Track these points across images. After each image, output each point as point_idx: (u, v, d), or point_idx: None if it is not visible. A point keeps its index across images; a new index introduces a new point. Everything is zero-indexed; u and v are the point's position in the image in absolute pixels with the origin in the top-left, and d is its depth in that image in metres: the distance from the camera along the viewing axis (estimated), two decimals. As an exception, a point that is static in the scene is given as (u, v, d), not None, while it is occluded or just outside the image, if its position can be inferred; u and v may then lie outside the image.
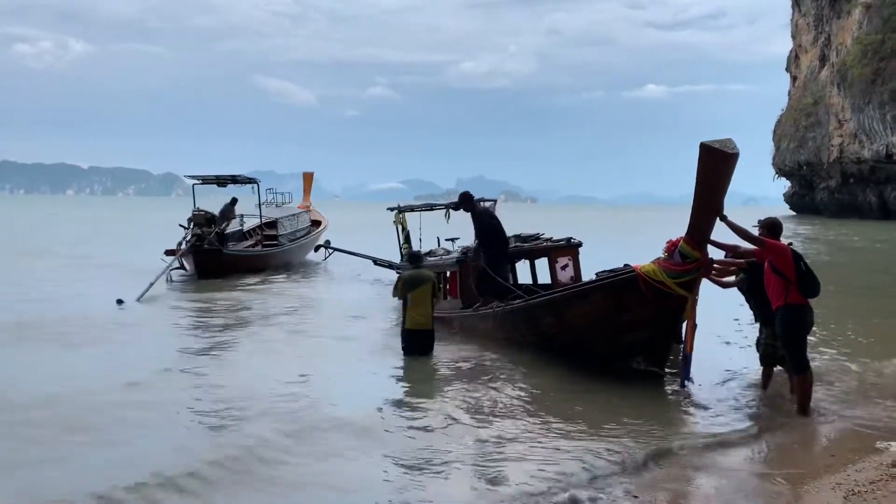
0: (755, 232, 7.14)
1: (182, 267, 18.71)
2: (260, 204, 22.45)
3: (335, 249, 21.59)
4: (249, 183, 22.55)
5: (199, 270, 18.11)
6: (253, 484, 5.36)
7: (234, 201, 21.62)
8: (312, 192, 29.95)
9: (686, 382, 7.78)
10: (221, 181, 21.68)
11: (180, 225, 20.03)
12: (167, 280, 17.48)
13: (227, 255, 18.89)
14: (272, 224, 22.45)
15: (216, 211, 20.43)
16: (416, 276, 9.43)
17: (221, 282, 17.34)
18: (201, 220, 19.55)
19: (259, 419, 6.81)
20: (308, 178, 30.12)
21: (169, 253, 18.59)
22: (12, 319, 11.67)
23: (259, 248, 21.19)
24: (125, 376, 8.34)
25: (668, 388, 8.08)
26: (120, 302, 13.78)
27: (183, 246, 18.91)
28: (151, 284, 15.02)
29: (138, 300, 14.10)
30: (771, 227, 7.17)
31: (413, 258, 10.08)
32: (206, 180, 21.38)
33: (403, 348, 9.47)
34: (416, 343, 9.38)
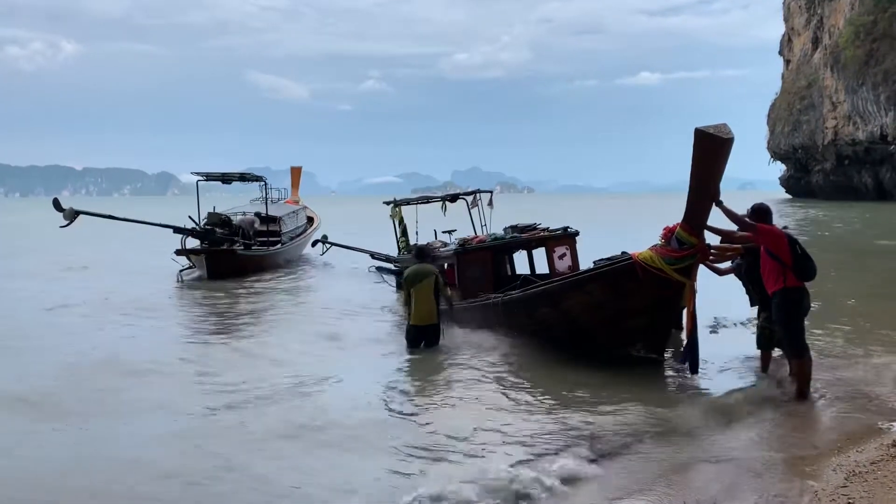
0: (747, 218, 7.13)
1: (192, 267, 18.53)
2: (267, 202, 22.35)
3: (333, 244, 21.58)
4: (256, 181, 22.47)
5: (211, 271, 17.85)
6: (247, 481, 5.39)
7: (258, 214, 21.72)
8: (309, 187, 30.13)
9: (693, 367, 7.74)
10: (227, 178, 21.56)
11: (190, 217, 19.95)
12: (178, 281, 17.37)
13: (239, 255, 18.76)
14: (275, 221, 22.41)
15: (222, 210, 20.41)
16: (417, 272, 9.44)
17: (233, 282, 17.06)
18: (216, 219, 19.44)
19: (263, 411, 6.87)
20: (296, 172, 30.24)
21: (179, 253, 18.44)
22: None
23: (255, 245, 21.13)
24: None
25: (668, 374, 8.12)
26: (56, 204, 14.10)
27: (190, 239, 18.81)
28: (105, 216, 15.49)
29: (76, 210, 14.57)
30: (759, 212, 7.14)
31: (420, 253, 10.02)
32: (210, 177, 21.23)
33: (408, 342, 9.53)
34: (421, 337, 9.43)
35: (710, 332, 10.00)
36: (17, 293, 15.23)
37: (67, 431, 6.49)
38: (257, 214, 21.76)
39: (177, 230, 18.55)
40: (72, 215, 14.04)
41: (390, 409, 7.06)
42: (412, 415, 6.92)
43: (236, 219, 20.68)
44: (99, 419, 6.80)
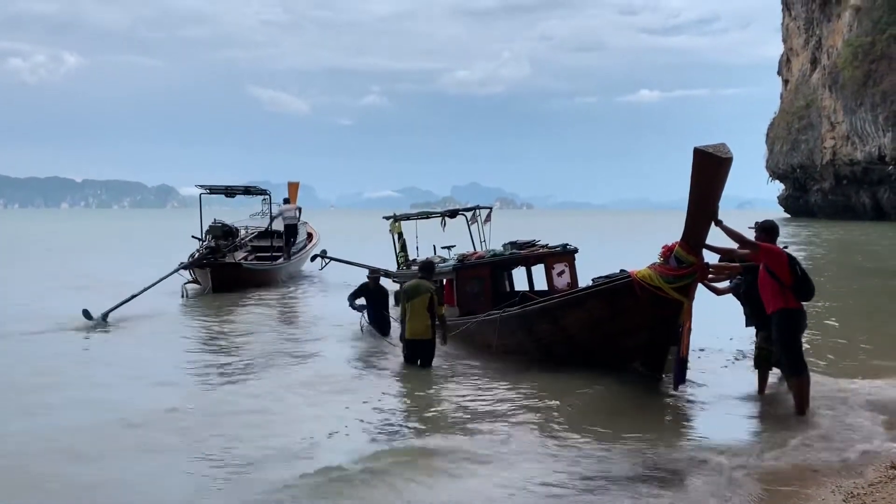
0: (751, 235, 7.16)
1: (195, 281, 18.25)
2: (271, 216, 22.32)
3: (331, 259, 21.57)
4: (261, 195, 22.44)
5: (215, 285, 17.43)
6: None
7: (299, 210, 22.04)
8: (308, 201, 30.09)
9: (680, 385, 7.75)
10: (231, 192, 21.46)
11: (193, 237, 19.73)
12: (182, 296, 17.06)
13: (244, 269, 18.45)
14: (278, 236, 22.43)
15: (226, 221, 20.35)
16: (414, 287, 9.46)
17: (236, 296, 16.84)
18: (218, 231, 19.11)
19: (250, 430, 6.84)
20: (293, 188, 30.18)
21: (185, 267, 18.06)
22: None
23: (254, 258, 21.06)
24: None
25: (666, 393, 8.10)
26: (86, 314, 12.64)
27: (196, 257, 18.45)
28: (125, 301, 13.76)
29: (104, 317, 12.92)
30: (768, 230, 7.18)
31: (424, 268, 10.04)
32: (214, 190, 21.09)
33: (404, 357, 9.57)
34: (416, 352, 9.44)
35: (707, 349, 9.97)
36: (17, 307, 15.11)
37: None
38: (299, 210, 22.23)
39: (186, 267, 17.97)
40: (102, 321, 12.94)
41: (385, 429, 7.02)
42: (404, 436, 6.87)
43: (275, 210, 21.46)
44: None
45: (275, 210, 22.62)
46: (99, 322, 12.77)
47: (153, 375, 9.29)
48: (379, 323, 11.77)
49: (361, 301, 11.93)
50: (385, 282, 16.15)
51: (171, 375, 9.37)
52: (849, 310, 14.23)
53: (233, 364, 10.03)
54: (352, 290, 12.15)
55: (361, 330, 11.73)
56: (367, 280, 12.33)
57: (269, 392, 8.30)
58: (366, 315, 11.86)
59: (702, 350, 9.68)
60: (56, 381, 9.00)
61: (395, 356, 10.10)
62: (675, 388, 7.77)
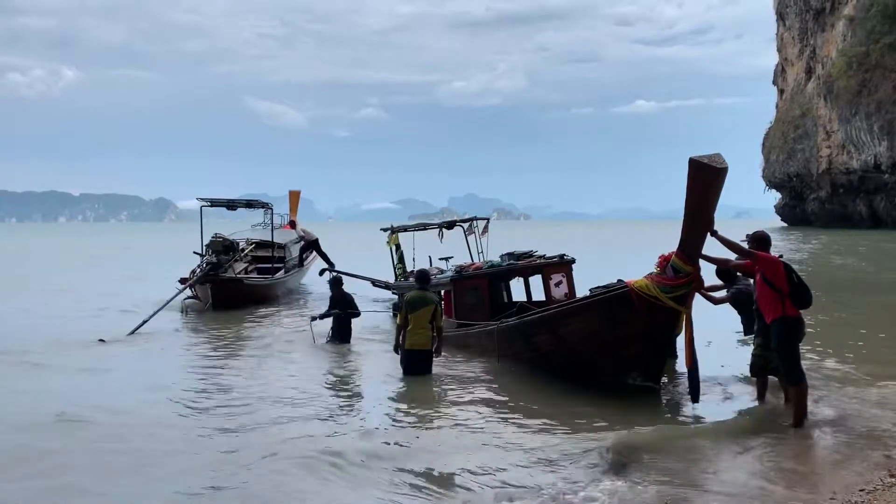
0: (745, 246, 7.20)
1: (196, 297, 17.95)
2: (272, 229, 22.27)
3: (333, 271, 21.58)
4: (263, 207, 22.45)
5: (216, 301, 17.13)
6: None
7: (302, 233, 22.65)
8: (307, 213, 30.15)
9: (694, 395, 7.67)
10: (233, 205, 21.39)
11: (195, 252, 19.65)
12: (183, 312, 16.69)
13: (245, 285, 18.27)
14: (281, 248, 22.45)
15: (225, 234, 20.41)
16: (418, 298, 9.45)
17: (238, 312, 16.59)
18: (219, 247, 18.94)
19: (261, 439, 6.84)
20: (294, 196, 30.06)
21: (184, 282, 17.83)
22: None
23: (255, 273, 20.97)
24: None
25: (663, 402, 8.11)
26: (102, 342, 12.37)
27: (196, 273, 18.20)
28: (146, 321, 13.61)
29: (129, 335, 12.82)
30: (760, 240, 7.22)
31: (420, 278, 10.05)
32: (216, 203, 20.96)
33: (403, 368, 9.53)
34: (415, 363, 9.42)
35: (705, 359, 9.95)
36: (16, 328, 14.96)
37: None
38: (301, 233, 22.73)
39: (190, 285, 17.76)
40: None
41: (387, 439, 7.04)
42: (411, 442, 6.89)
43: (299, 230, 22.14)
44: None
45: (293, 235, 23.09)
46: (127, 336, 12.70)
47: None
48: (341, 330, 11.99)
49: (324, 310, 12.25)
50: (373, 290, 16.17)
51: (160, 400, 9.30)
52: (849, 318, 14.24)
53: (231, 389, 9.97)
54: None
55: (313, 340, 11.95)
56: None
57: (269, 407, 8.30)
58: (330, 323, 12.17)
59: (701, 359, 9.67)
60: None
61: (376, 364, 10.15)
62: (695, 401, 7.64)
